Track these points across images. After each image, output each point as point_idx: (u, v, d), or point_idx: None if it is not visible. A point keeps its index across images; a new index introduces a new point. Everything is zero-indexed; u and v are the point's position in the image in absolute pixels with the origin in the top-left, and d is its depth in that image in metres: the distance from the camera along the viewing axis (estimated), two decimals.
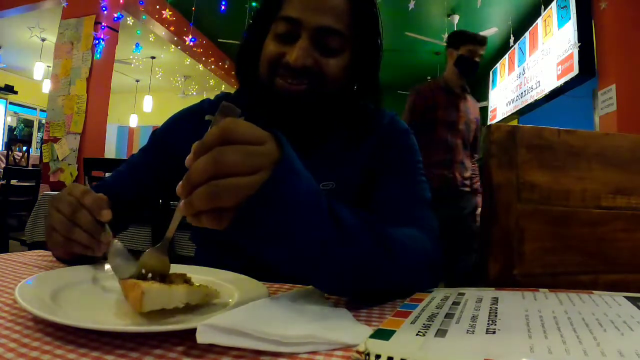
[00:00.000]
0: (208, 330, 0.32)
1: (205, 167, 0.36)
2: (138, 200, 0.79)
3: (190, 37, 4.81)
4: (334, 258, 0.43)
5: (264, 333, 0.33)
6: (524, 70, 4.92)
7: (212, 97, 0.84)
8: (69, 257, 0.61)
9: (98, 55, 4.40)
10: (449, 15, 5.12)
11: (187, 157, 0.38)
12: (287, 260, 0.42)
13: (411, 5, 3.75)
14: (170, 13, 4.78)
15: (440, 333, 0.33)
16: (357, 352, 0.31)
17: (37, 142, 8.93)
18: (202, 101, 0.83)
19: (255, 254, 0.41)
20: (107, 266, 0.57)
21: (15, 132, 8.88)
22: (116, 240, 0.54)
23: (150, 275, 0.44)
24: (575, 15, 3.55)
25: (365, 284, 0.47)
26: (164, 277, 0.45)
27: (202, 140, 0.38)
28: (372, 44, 0.72)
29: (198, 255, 0.83)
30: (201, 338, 0.32)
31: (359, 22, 0.69)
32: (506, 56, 5.59)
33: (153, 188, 0.80)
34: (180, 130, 0.79)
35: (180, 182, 0.38)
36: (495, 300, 0.44)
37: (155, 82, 8.26)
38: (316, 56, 0.66)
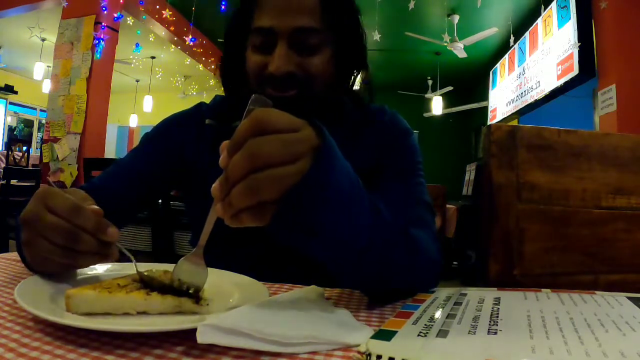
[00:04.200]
0: (208, 330, 0.32)
1: (242, 163, 0.34)
2: (127, 204, 0.74)
3: (190, 37, 4.81)
4: (376, 247, 0.43)
5: (264, 333, 0.33)
6: (524, 70, 4.92)
7: (212, 98, 0.83)
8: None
9: (98, 55, 4.39)
10: (449, 15, 5.11)
11: (221, 157, 0.36)
12: (328, 252, 0.41)
13: (411, 6, 3.74)
14: (170, 13, 4.77)
15: (442, 334, 0.33)
16: (359, 352, 0.30)
17: (37, 142, 8.92)
18: (198, 105, 0.81)
19: (294, 248, 0.40)
20: (108, 265, 0.57)
21: (15, 132, 8.87)
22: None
23: (185, 287, 0.44)
24: (575, 15, 3.55)
25: (388, 277, 0.48)
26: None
27: (234, 136, 0.35)
28: (351, 32, 0.71)
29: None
30: (201, 338, 0.32)
31: (331, 14, 0.67)
32: (506, 56, 5.59)
33: (143, 192, 0.75)
34: (177, 135, 0.76)
35: (216, 183, 0.36)
36: (497, 301, 0.44)
37: (155, 82, 8.25)
38: (297, 60, 0.65)
